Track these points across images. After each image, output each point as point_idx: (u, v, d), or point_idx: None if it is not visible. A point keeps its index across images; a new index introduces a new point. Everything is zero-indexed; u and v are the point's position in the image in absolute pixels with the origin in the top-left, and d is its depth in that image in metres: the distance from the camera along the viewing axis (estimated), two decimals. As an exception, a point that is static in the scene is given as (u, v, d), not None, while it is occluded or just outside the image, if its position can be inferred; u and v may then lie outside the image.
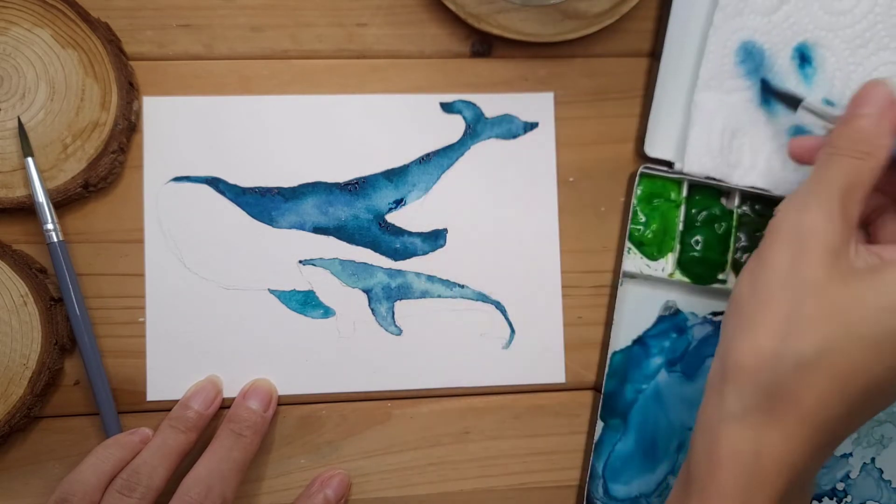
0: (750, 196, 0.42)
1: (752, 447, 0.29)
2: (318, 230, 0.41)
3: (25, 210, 0.38)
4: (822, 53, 0.41)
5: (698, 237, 0.42)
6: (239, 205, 0.40)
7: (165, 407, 0.39)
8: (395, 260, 0.41)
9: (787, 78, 0.41)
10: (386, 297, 0.41)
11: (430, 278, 0.41)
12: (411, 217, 0.41)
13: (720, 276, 0.42)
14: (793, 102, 0.39)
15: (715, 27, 0.41)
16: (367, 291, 0.41)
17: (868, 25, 0.41)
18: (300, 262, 0.41)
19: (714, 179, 0.41)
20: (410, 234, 0.41)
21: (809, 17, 0.41)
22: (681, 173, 0.41)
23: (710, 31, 0.41)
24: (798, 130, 0.41)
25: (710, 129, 0.41)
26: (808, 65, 0.41)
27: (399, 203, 0.41)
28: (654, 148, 0.41)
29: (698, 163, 0.40)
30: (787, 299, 0.29)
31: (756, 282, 0.30)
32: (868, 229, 0.36)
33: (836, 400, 0.29)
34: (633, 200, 0.42)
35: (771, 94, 0.40)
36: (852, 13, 0.41)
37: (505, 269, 0.41)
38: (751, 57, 0.41)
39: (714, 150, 0.40)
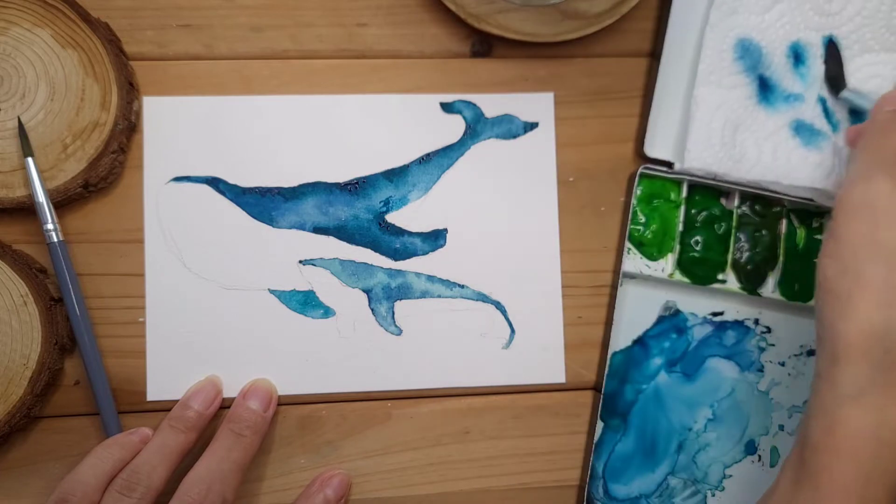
0: (750, 196, 0.42)
1: (872, 431, 0.28)
2: (318, 230, 0.41)
3: (25, 210, 0.38)
4: (813, 53, 0.42)
5: (698, 237, 0.42)
6: (239, 205, 0.40)
7: (165, 407, 0.39)
8: (395, 260, 0.41)
9: (783, 76, 0.41)
10: (386, 297, 0.41)
11: (430, 278, 0.41)
12: (411, 217, 0.41)
13: (720, 277, 0.42)
14: (835, 85, 0.41)
15: (711, 24, 0.41)
16: (367, 291, 0.41)
17: (854, 28, 0.42)
18: (300, 262, 0.41)
19: (715, 177, 0.41)
20: (410, 234, 0.41)
21: (801, 17, 0.42)
22: (681, 173, 0.41)
23: (707, 28, 0.41)
24: (799, 125, 0.41)
25: (710, 124, 0.41)
26: (801, 64, 0.42)
27: (399, 203, 0.41)
28: (653, 148, 0.41)
29: (699, 158, 0.40)
30: (879, 269, 0.29)
31: (841, 260, 0.30)
32: None
33: None
34: (633, 200, 0.42)
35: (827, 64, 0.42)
36: (840, 15, 0.42)
37: (505, 269, 0.41)
38: (748, 53, 0.41)
39: (715, 145, 0.40)
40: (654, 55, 0.42)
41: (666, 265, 0.42)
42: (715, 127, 0.41)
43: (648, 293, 0.42)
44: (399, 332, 0.41)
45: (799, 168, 0.41)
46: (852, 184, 0.32)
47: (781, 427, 0.43)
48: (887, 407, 0.29)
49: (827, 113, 0.42)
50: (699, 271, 0.42)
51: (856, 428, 0.29)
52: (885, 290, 0.29)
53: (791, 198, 0.41)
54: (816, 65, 0.42)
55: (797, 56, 0.41)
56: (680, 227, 0.42)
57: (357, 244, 0.41)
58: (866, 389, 0.29)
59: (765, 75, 0.41)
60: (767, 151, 0.41)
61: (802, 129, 0.41)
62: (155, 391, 0.40)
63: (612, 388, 0.42)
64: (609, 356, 0.41)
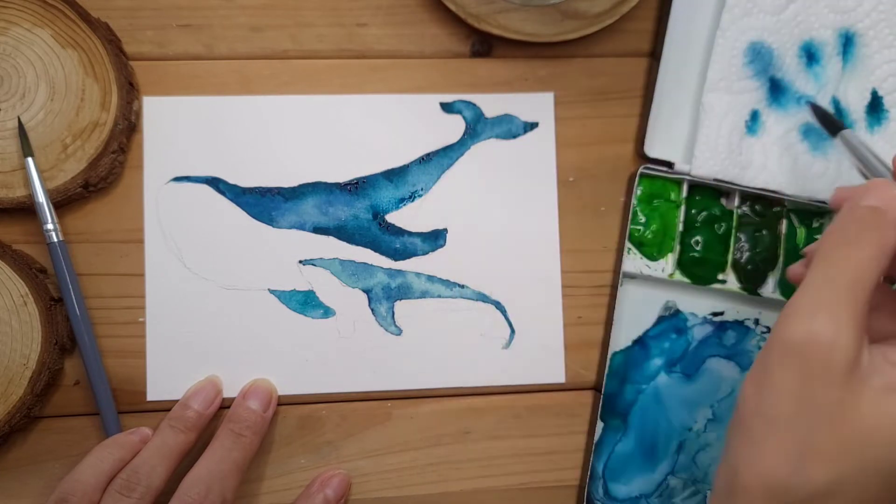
0: (750, 196, 0.42)
1: None
2: (318, 230, 0.41)
3: (25, 210, 0.38)
4: (828, 52, 0.41)
5: (698, 237, 0.42)
6: (239, 205, 0.40)
7: (165, 407, 0.39)
8: (395, 260, 0.41)
9: (795, 76, 0.41)
10: (386, 297, 0.41)
11: (430, 278, 0.41)
12: (411, 217, 0.41)
13: (720, 277, 0.42)
14: (833, 128, 0.36)
15: (722, 28, 0.41)
16: (367, 291, 0.41)
17: (871, 24, 0.41)
18: (300, 262, 0.41)
19: (723, 182, 0.41)
20: (410, 234, 0.41)
21: (816, 15, 0.41)
22: (681, 173, 0.41)
23: (718, 32, 0.41)
24: (809, 128, 0.41)
25: (718, 131, 0.41)
26: (815, 63, 0.41)
27: (399, 203, 0.41)
28: (653, 148, 0.41)
29: (706, 165, 0.40)
30: (799, 425, 0.27)
31: (763, 398, 0.28)
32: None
33: None
34: (633, 201, 0.42)
35: (815, 115, 0.39)
36: (856, 11, 0.41)
37: (505, 269, 0.41)
38: (759, 57, 0.41)
39: (722, 153, 0.40)
40: (654, 55, 0.42)
41: (666, 265, 0.42)
42: (723, 134, 0.40)
43: (648, 293, 0.42)
44: (399, 332, 0.41)
45: (804, 176, 0.41)
46: (796, 316, 0.27)
47: (781, 427, 0.43)
48: None
49: (840, 114, 0.42)
50: (699, 271, 0.42)
51: None
52: (798, 449, 0.27)
53: (792, 198, 0.41)
54: (832, 63, 0.41)
55: (810, 55, 0.41)
56: (680, 227, 0.42)
57: (357, 244, 0.41)
58: None
59: (776, 77, 0.41)
60: (774, 157, 0.41)
61: (811, 133, 0.41)
62: (155, 391, 0.40)
63: (612, 389, 0.42)
64: (609, 356, 0.41)
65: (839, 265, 0.28)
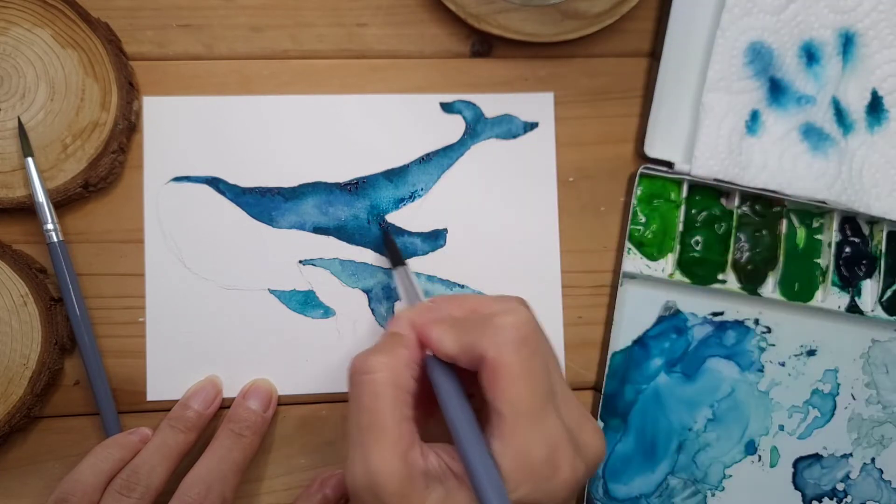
0: (750, 196, 0.42)
1: None
2: (318, 230, 0.41)
3: (25, 210, 0.38)
4: (828, 52, 0.41)
5: (698, 237, 0.42)
6: (239, 205, 0.40)
7: (165, 407, 0.39)
8: (395, 260, 0.41)
9: (795, 76, 0.41)
10: (386, 297, 0.41)
11: (430, 278, 0.41)
12: (411, 217, 0.41)
13: (720, 277, 0.42)
14: (394, 260, 0.39)
15: (722, 29, 0.41)
16: (367, 291, 0.41)
17: (871, 24, 0.41)
18: (300, 262, 0.41)
19: (723, 182, 0.41)
20: (410, 234, 0.41)
21: (815, 15, 0.41)
22: (681, 173, 0.41)
23: (717, 32, 0.41)
24: (809, 128, 0.41)
25: (718, 131, 0.41)
26: (815, 63, 0.41)
27: (399, 203, 0.41)
28: (653, 148, 0.41)
29: (706, 165, 0.40)
30: None
31: None
32: None
33: None
34: (633, 200, 0.42)
35: (384, 241, 0.41)
36: (856, 11, 0.41)
37: (505, 269, 0.41)
38: (759, 57, 0.41)
39: (722, 153, 0.40)
40: (654, 55, 0.42)
41: (666, 265, 0.42)
42: (722, 134, 0.41)
43: (648, 293, 0.42)
44: (399, 332, 0.41)
45: (803, 176, 0.41)
46: (347, 463, 0.30)
47: (781, 427, 0.43)
48: None
49: (840, 114, 0.42)
50: (699, 271, 0.42)
51: None
52: None
53: (792, 198, 0.41)
54: (832, 63, 0.41)
55: (810, 55, 0.41)
56: (680, 227, 0.42)
57: (357, 244, 0.41)
58: None
59: (776, 77, 0.41)
60: (773, 157, 0.41)
61: (811, 133, 0.41)
62: (155, 391, 0.40)
63: (612, 389, 0.42)
64: (609, 356, 0.41)
65: (362, 401, 0.30)
